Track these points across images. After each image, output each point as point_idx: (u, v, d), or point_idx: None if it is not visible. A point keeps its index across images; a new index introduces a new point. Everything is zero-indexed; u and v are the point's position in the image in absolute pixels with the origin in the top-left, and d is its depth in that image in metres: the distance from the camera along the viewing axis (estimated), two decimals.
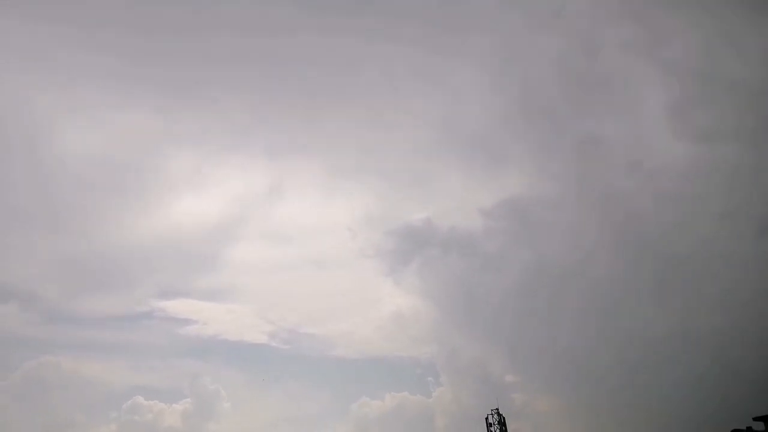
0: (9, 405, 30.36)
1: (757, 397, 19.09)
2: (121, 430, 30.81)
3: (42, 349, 34.29)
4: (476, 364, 34.29)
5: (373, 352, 38.54)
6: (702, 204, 32.67)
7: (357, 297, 39.67)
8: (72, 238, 37.16)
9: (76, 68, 40.11)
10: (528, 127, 39.46)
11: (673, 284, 30.20)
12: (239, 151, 42.30)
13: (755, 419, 16.87)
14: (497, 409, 21.28)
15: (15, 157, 37.15)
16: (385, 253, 38.80)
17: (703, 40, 36.36)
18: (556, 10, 39.68)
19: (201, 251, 40.56)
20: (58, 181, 37.58)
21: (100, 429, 32.03)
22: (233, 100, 41.62)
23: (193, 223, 41.23)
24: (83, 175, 38.45)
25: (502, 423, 21.11)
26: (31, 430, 30.08)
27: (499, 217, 37.72)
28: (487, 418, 21.24)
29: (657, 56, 37.53)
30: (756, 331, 24.77)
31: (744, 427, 17.27)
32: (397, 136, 42.38)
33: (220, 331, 37.93)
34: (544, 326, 32.47)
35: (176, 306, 37.58)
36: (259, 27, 43.06)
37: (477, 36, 41.91)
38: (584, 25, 39.47)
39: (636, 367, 28.36)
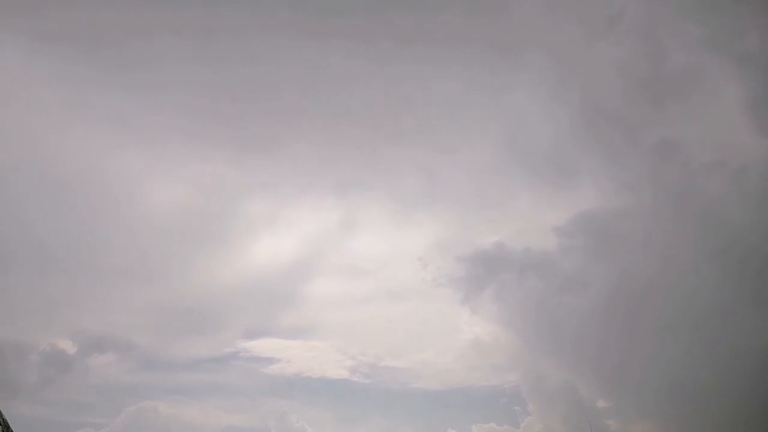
0: None
1: None
2: None
3: (140, 395, 35.84)
4: (565, 390, 32.78)
5: (455, 383, 37.70)
6: None
7: (434, 327, 39.17)
8: (162, 287, 39.07)
9: (159, 130, 42.81)
10: (597, 138, 38.07)
11: None
12: (311, 191, 43.38)
13: None
14: None
15: (108, 214, 39.72)
16: (459, 280, 38.14)
17: None
18: (613, 16, 38.57)
19: (281, 290, 41.51)
20: (147, 234, 39.87)
21: None
22: (301, 145, 43.02)
23: (272, 264, 42.45)
24: (170, 226, 40.59)
25: None
26: None
27: (575, 233, 36.37)
28: None
29: (729, 51, 35.56)
30: None
31: None
32: (460, 159, 42.06)
33: (303, 368, 38.41)
34: (634, 345, 30.72)
35: (260, 345, 38.60)
36: (315, 67, 44.22)
37: (532, 51, 41.19)
38: (645, 27, 38.03)
39: (743, 384, 26.29)
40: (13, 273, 34.19)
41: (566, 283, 35.84)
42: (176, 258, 40.01)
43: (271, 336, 39.92)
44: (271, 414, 36.15)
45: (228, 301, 39.40)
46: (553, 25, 40.14)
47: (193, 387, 37.28)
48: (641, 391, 29.35)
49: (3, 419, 17.78)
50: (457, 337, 38.40)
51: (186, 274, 39.84)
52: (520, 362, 35.16)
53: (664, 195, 34.76)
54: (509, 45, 41.08)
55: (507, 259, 37.92)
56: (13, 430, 18.26)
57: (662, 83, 36.99)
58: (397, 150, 42.88)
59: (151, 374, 37.21)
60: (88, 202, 39.26)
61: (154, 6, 41.71)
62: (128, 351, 36.20)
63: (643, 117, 36.77)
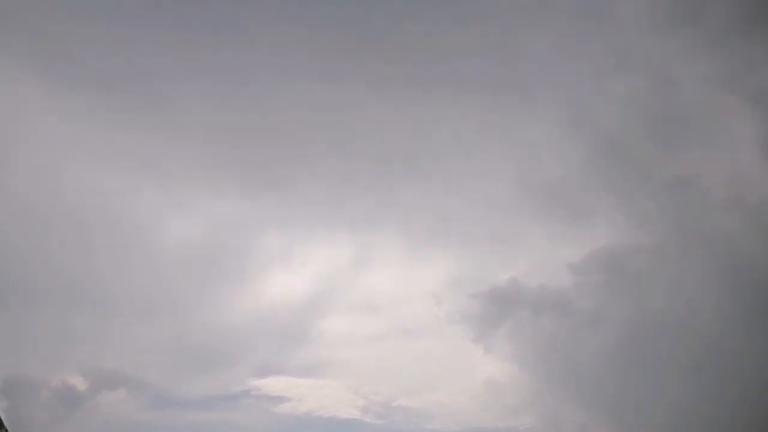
0: None
1: None
2: None
3: None
4: None
5: (471, 424, 36.44)
6: None
7: (448, 365, 38.34)
8: (175, 323, 39.19)
9: (176, 169, 43.94)
10: (610, 175, 37.92)
11: None
12: (324, 227, 43.60)
13: None
14: None
15: (124, 249, 40.50)
16: (473, 317, 37.57)
17: None
18: (624, 53, 39.13)
19: (293, 327, 41.28)
20: (162, 270, 40.44)
21: None
22: (314, 181, 43.52)
23: (285, 301, 42.39)
24: (185, 263, 41.20)
25: None
26: None
27: (591, 271, 35.80)
28: None
29: (742, 87, 35.72)
30: None
31: None
32: (473, 197, 42.10)
33: (313, 407, 37.74)
34: (655, 386, 29.78)
35: (272, 383, 38.14)
36: (330, 109, 45.28)
37: (543, 90, 41.79)
38: (656, 65, 38.46)
39: None
40: (27, 308, 34.74)
41: (582, 321, 35.15)
42: (189, 294, 40.28)
43: (282, 374, 39.43)
44: None
45: (240, 338, 39.29)
46: (564, 63, 40.76)
47: (203, 425, 36.74)
48: None
49: None
50: (471, 377, 37.54)
51: (199, 311, 39.97)
52: (535, 403, 34.18)
53: (680, 232, 34.30)
54: (520, 84, 41.69)
55: (521, 297, 37.37)
56: None
57: (675, 119, 37.07)
58: (411, 188, 43.16)
59: (161, 412, 36.85)
60: (104, 237, 39.95)
61: (175, 50, 43.42)
62: (139, 388, 36.02)
63: (656, 153, 36.70)
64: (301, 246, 43.87)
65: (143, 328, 38.04)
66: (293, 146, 44.86)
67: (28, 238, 36.84)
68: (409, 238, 42.99)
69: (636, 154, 37.13)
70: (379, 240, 43.42)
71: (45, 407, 34.15)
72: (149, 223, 41.73)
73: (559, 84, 40.23)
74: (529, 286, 37.32)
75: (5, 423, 18.73)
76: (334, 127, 44.68)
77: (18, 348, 33.14)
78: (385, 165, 43.97)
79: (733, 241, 32.35)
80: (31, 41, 39.69)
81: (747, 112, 35.24)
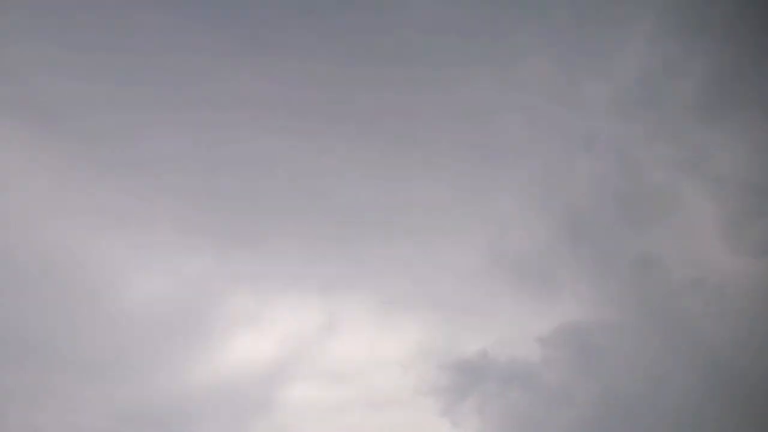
0: None
1: None
2: None
3: None
4: None
5: None
6: None
7: None
8: (130, 387, 37.26)
9: (149, 224, 43.06)
10: (578, 251, 39.01)
11: (752, 410, 28.20)
12: (294, 290, 42.79)
13: None
14: None
15: (84, 305, 38.90)
16: (440, 389, 37.09)
17: (749, 153, 36.56)
18: (590, 134, 41.09)
19: (256, 395, 39.67)
20: (122, 328, 38.59)
21: None
22: (287, 243, 43.07)
23: (249, 366, 40.96)
24: (147, 321, 39.63)
25: None
26: None
27: (559, 345, 36.14)
28: None
29: (702, 172, 37.76)
30: None
31: None
32: (445, 266, 42.37)
33: None
34: None
35: None
36: (305, 167, 45.78)
37: (515, 165, 43.20)
38: (621, 146, 40.40)
39: None
40: None
41: (550, 397, 35.13)
42: (149, 355, 38.67)
43: None
44: None
45: (197, 406, 37.48)
46: (535, 140, 42.37)
47: None
48: None
49: None
50: None
51: (157, 374, 38.31)
52: None
53: (644, 310, 35.16)
54: (493, 157, 43.01)
55: (490, 369, 37.14)
56: None
57: (639, 199, 38.63)
58: (383, 251, 43.15)
59: None
60: (62, 292, 38.47)
61: (155, 107, 43.52)
62: None
63: (621, 232, 37.93)
64: (269, 308, 42.95)
65: (97, 390, 36.13)
66: (267, 204, 44.64)
67: None
68: (379, 302, 42.65)
69: (602, 232, 38.43)
70: (349, 303, 42.93)
71: None
72: (114, 276, 40.49)
73: (530, 160, 41.65)
74: (498, 358, 37.37)
75: None
76: (310, 187, 44.86)
77: None
78: (359, 227, 44.06)
79: (693, 322, 33.46)
80: (14, 94, 39.48)
81: (707, 196, 37.10)
